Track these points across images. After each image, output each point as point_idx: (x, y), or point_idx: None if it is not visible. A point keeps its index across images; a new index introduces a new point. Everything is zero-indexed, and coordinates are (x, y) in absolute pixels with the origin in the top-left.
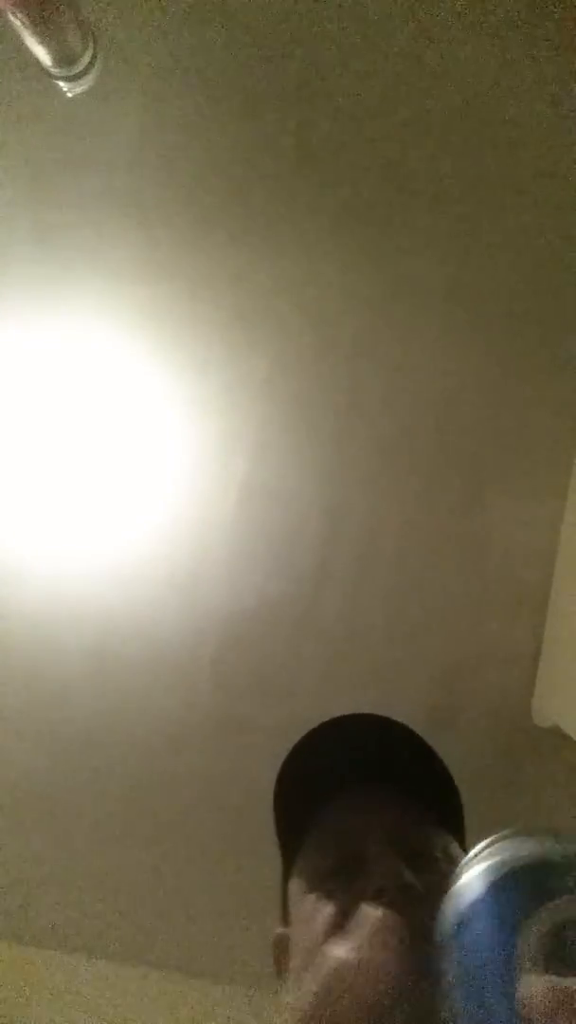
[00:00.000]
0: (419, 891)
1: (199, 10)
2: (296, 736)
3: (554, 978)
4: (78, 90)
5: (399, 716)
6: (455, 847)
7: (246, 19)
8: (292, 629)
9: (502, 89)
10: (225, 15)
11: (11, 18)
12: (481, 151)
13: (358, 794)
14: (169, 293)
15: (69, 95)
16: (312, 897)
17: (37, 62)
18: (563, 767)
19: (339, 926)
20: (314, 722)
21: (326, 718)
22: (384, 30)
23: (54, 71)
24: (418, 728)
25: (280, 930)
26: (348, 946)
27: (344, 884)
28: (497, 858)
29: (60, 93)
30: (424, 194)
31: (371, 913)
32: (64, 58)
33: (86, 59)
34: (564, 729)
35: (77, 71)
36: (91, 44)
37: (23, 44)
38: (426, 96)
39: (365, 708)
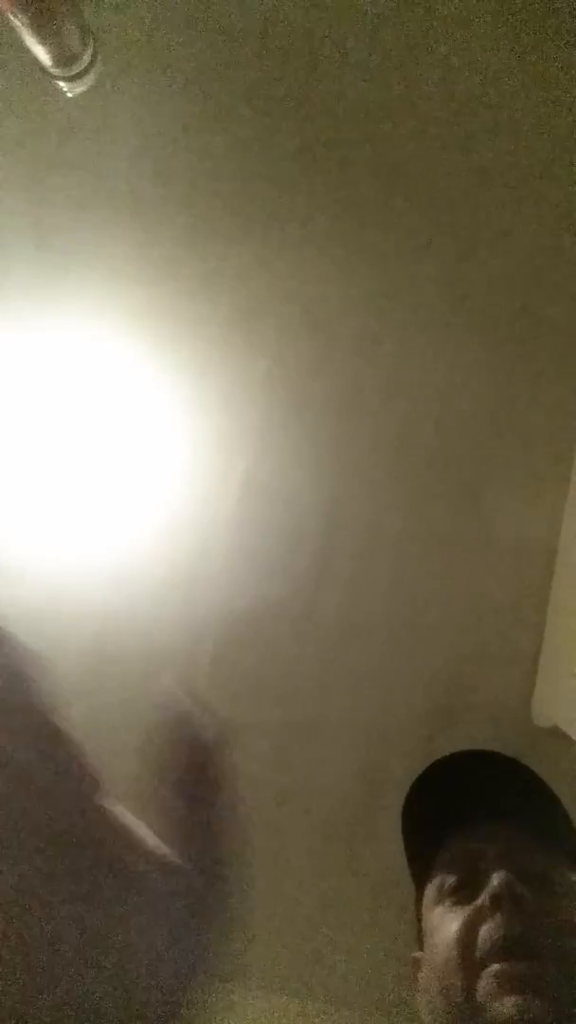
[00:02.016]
0: (530, 903)
1: (198, 11)
2: (294, 736)
3: None
4: (78, 90)
5: (399, 715)
6: (573, 877)
7: (246, 20)
8: (291, 629)
9: (503, 89)
10: (225, 16)
11: (11, 18)
12: (482, 151)
13: (482, 824)
14: (169, 293)
15: (69, 95)
16: (438, 910)
17: (37, 62)
18: (563, 767)
19: (463, 935)
20: (313, 721)
21: (332, 737)
22: (384, 31)
23: (54, 71)
24: (418, 728)
25: (416, 953)
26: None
27: (466, 900)
28: None
29: (60, 93)
30: (424, 194)
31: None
32: (64, 58)
33: (86, 59)
34: (564, 729)
35: (77, 71)
36: (91, 44)
37: (23, 44)
38: (426, 96)
39: (365, 708)
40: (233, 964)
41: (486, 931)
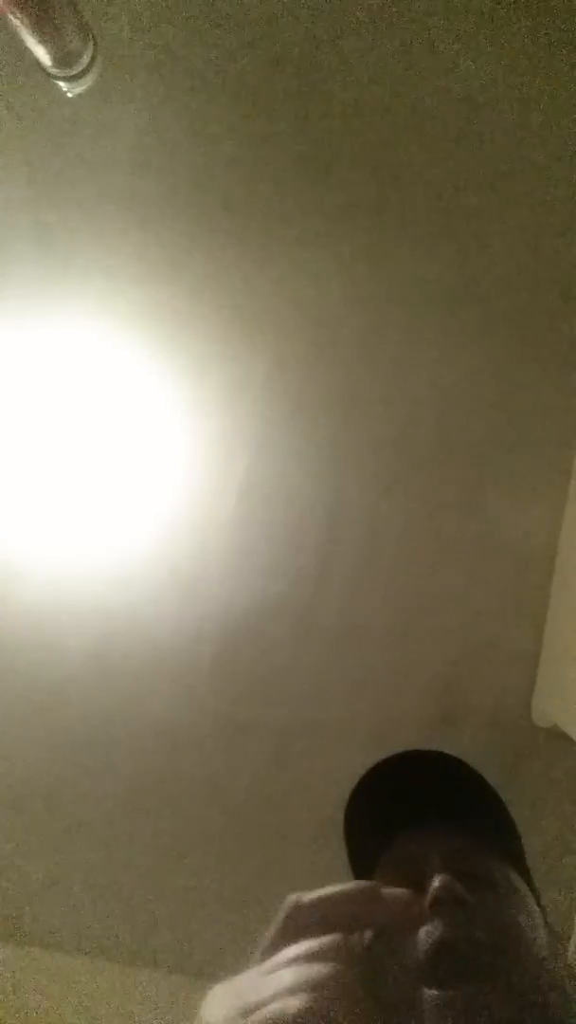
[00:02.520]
0: (472, 904)
1: (199, 11)
2: (294, 736)
3: None
4: (78, 90)
5: (399, 715)
6: (516, 878)
7: (246, 20)
8: (292, 629)
9: (503, 89)
10: (225, 15)
11: (11, 18)
12: (481, 151)
13: (424, 826)
14: (169, 293)
15: (69, 95)
16: None
17: (37, 62)
18: (563, 767)
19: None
20: (313, 721)
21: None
22: (384, 31)
23: (54, 71)
24: (418, 727)
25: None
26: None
27: None
28: None
29: (60, 93)
30: (424, 194)
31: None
32: (64, 58)
33: (86, 59)
34: (564, 729)
35: (77, 71)
36: (91, 44)
37: (23, 44)
38: (426, 96)
39: (365, 708)
40: (234, 964)
41: (425, 934)
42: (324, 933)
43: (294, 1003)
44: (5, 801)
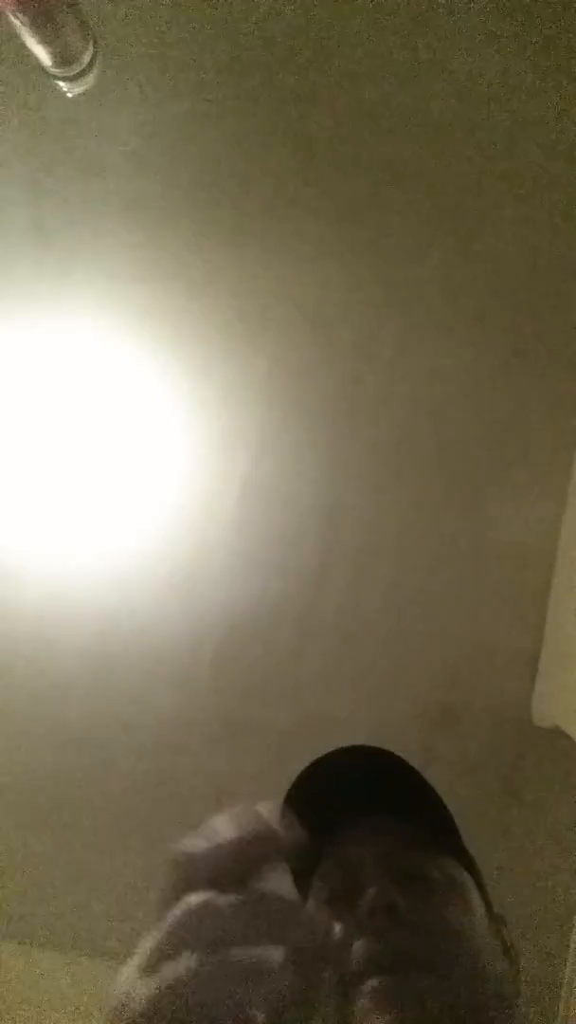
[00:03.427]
0: (404, 909)
1: (199, 10)
2: (294, 737)
3: None
4: (78, 90)
5: (399, 715)
6: (451, 864)
7: (246, 20)
8: (292, 629)
9: (503, 89)
10: (225, 16)
11: (11, 18)
12: (481, 151)
13: (359, 826)
14: (169, 293)
15: (69, 95)
16: (320, 920)
17: (37, 62)
18: (563, 768)
19: (333, 943)
20: (313, 721)
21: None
22: (384, 30)
23: (54, 71)
24: (418, 728)
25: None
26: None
27: (344, 911)
28: None
29: (60, 93)
30: (424, 195)
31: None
32: (64, 58)
33: (86, 59)
34: (564, 729)
35: (77, 71)
36: (91, 44)
37: (23, 44)
38: (426, 96)
39: (365, 708)
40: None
41: (359, 946)
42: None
43: None
44: (4, 801)
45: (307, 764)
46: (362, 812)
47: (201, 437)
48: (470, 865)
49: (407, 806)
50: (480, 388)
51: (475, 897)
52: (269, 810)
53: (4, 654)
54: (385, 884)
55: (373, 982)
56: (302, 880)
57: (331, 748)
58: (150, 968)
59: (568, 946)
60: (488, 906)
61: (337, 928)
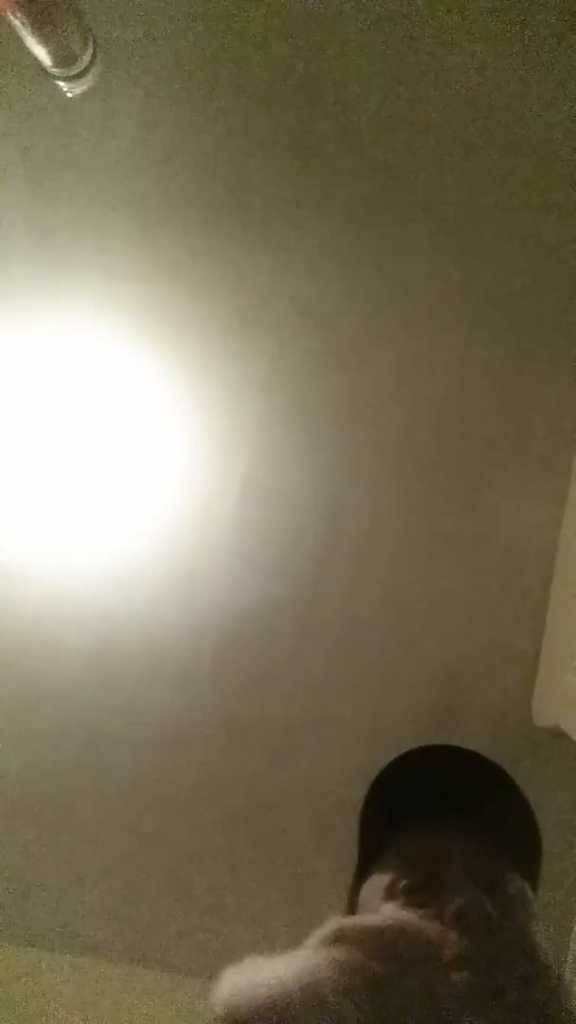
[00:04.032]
0: (496, 922)
1: (199, 10)
2: (295, 736)
3: None
4: (78, 90)
5: (399, 715)
6: (528, 890)
7: (246, 20)
8: (292, 629)
9: (502, 89)
10: (225, 16)
11: (11, 18)
12: (481, 151)
13: (446, 821)
14: (169, 293)
15: (69, 95)
16: (390, 906)
17: (37, 62)
18: (563, 767)
19: (419, 933)
20: (313, 721)
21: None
22: (384, 31)
23: (54, 71)
24: (419, 727)
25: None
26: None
27: (423, 901)
28: None
29: (60, 93)
30: (424, 195)
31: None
32: (64, 58)
33: (86, 59)
34: (564, 729)
35: (77, 71)
36: (91, 44)
37: (23, 44)
38: (426, 96)
39: (365, 708)
40: (233, 963)
41: (453, 941)
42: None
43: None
44: (4, 800)
45: (402, 752)
46: (449, 809)
47: (201, 437)
48: (535, 886)
49: (497, 817)
50: (480, 388)
51: (536, 915)
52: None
53: (4, 654)
54: (471, 888)
55: (463, 975)
56: (371, 852)
57: (331, 748)
58: None
59: (568, 946)
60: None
61: (408, 918)
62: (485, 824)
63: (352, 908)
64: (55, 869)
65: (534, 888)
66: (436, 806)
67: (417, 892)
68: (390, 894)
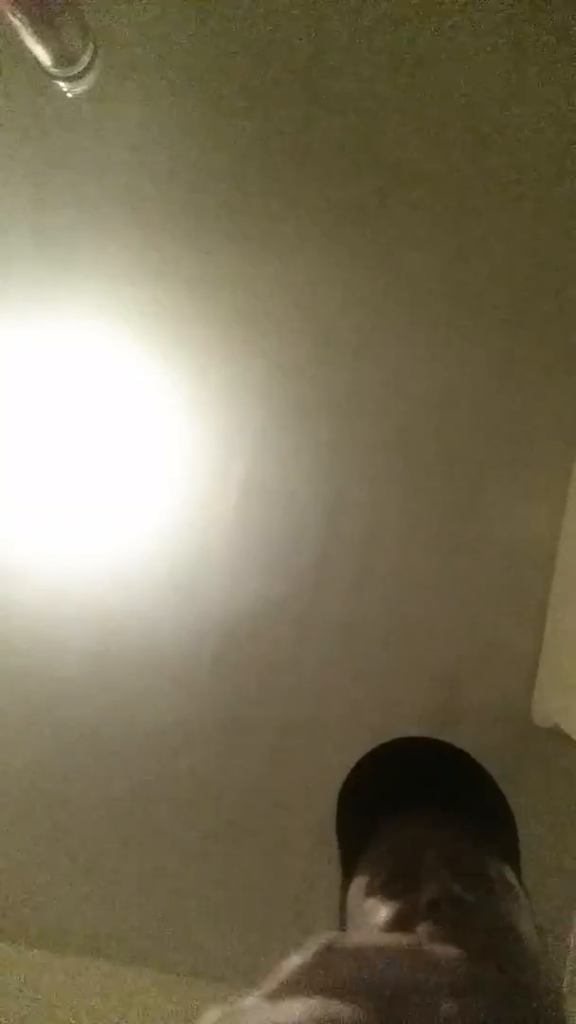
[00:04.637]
0: (470, 904)
1: (199, 10)
2: (295, 736)
3: None
4: (78, 90)
5: (399, 715)
6: (510, 873)
7: (246, 20)
8: (292, 629)
9: (502, 89)
10: (225, 16)
11: (11, 18)
12: (481, 151)
13: (418, 813)
14: (169, 293)
15: (69, 95)
16: (369, 902)
17: (37, 62)
18: (563, 767)
19: (392, 929)
20: (314, 720)
21: (332, 737)
22: (384, 30)
23: (54, 71)
24: (419, 727)
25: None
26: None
27: (399, 893)
28: None
29: (60, 93)
30: (424, 194)
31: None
32: (64, 58)
33: (86, 59)
34: (564, 729)
35: (77, 71)
36: (91, 44)
37: (23, 44)
38: (426, 96)
39: (365, 708)
40: (233, 964)
41: (424, 930)
42: (354, 988)
43: None
44: (4, 801)
45: (367, 750)
46: (419, 801)
47: (201, 437)
48: (519, 876)
49: (470, 805)
50: (480, 388)
51: (526, 901)
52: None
53: (5, 654)
54: (445, 876)
55: (455, 1004)
56: (352, 852)
57: (331, 748)
58: None
59: (568, 946)
60: (534, 917)
61: (385, 913)
62: (456, 810)
63: (342, 916)
64: (54, 869)
65: (516, 869)
66: (405, 800)
67: (392, 886)
68: (369, 891)
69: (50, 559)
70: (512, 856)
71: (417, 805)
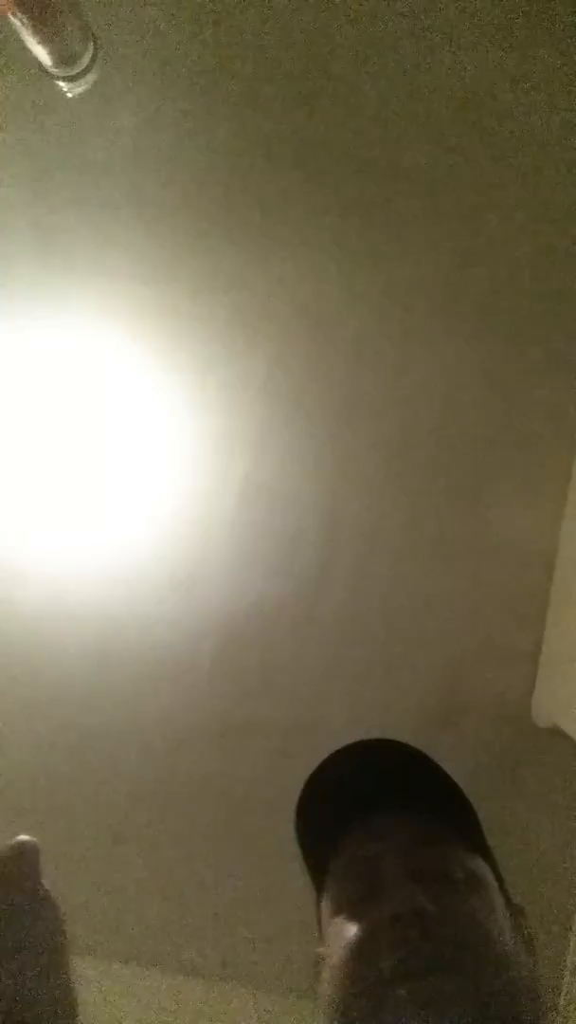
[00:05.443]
0: (432, 915)
1: (200, 10)
2: (295, 737)
3: None
4: (78, 90)
5: (400, 715)
6: (476, 862)
7: (246, 20)
8: (292, 629)
9: (503, 89)
10: (225, 16)
11: (11, 18)
12: (482, 151)
13: (375, 820)
14: (169, 293)
15: (69, 95)
16: (338, 920)
17: (37, 62)
18: (563, 767)
19: (364, 949)
20: (314, 721)
21: (333, 737)
22: (384, 30)
23: (54, 71)
24: (419, 728)
25: (319, 949)
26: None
27: (364, 912)
28: None
29: (60, 93)
30: (424, 194)
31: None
32: (64, 58)
33: (86, 59)
34: (564, 729)
35: (77, 71)
36: (91, 44)
37: (23, 44)
38: (427, 96)
39: (365, 708)
40: (234, 964)
41: (387, 949)
42: None
43: None
44: (4, 801)
45: (317, 763)
46: (375, 807)
47: (200, 437)
48: (487, 854)
49: (423, 798)
50: (480, 388)
51: (496, 892)
52: None
53: (3, 655)
54: (407, 887)
55: (402, 991)
56: (317, 869)
57: (333, 747)
58: None
59: (568, 946)
60: (507, 898)
61: (353, 932)
62: (413, 808)
63: (320, 931)
64: (53, 869)
65: (486, 854)
66: (359, 809)
67: (357, 904)
68: (336, 909)
69: (50, 559)
70: (478, 842)
71: (372, 811)
